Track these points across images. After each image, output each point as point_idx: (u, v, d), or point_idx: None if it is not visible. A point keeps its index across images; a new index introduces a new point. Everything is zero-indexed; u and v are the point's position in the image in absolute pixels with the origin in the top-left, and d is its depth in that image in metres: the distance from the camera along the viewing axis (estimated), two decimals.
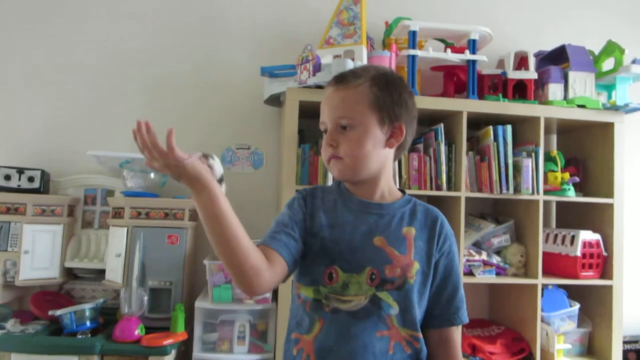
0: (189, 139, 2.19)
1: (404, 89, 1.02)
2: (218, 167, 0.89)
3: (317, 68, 1.84)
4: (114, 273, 1.88)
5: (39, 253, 1.91)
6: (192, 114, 2.22)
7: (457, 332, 1.04)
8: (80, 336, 1.71)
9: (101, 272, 1.96)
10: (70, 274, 2.03)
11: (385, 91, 0.98)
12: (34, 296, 1.91)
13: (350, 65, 1.78)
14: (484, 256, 2.01)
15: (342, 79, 1.00)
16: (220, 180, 0.89)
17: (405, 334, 0.96)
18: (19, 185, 1.91)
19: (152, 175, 2.02)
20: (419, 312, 0.97)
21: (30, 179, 1.94)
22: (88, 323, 1.76)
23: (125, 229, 1.87)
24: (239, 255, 0.84)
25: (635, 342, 2.27)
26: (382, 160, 1.01)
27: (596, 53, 2.11)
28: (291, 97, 1.85)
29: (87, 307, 1.77)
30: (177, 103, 2.22)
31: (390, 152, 1.02)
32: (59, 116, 2.17)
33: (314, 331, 0.95)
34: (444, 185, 1.94)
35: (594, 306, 2.10)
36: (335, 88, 1.00)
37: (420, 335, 0.98)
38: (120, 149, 2.10)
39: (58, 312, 1.73)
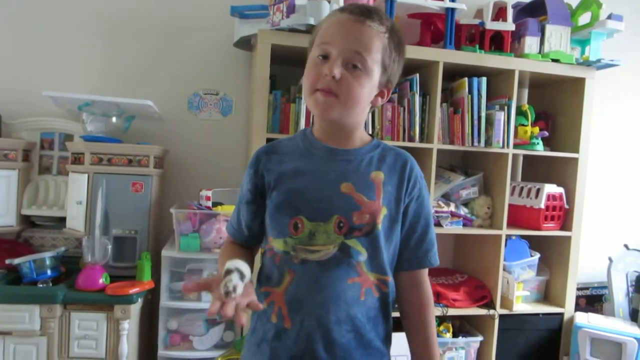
0: (153, 84, 2.08)
1: (405, 54, 1.00)
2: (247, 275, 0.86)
3: (292, 9, 1.74)
4: (76, 221, 1.81)
5: None
6: (155, 56, 2.09)
7: (427, 275, 1.03)
8: (41, 285, 1.67)
9: (61, 220, 1.89)
10: (28, 221, 1.94)
11: (397, 52, 0.96)
12: None
13: (326, 7, 1.69)
14: (452, 207, 2.04)
15: (368, 13, 0.92)
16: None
17: (374, 279, 0.95)
18: None
19: (113, 119, 1.90)
20: (386, 257, 0.96)
21: None
22: (49, 272, 1.71)
23: (86, 175, 1.78)
24: None
25: (587, 288, 2.41)
26: (365, 112, 1.00)
27: (573, 7, 2.09)
28: (263, 40, 1.76)
29: (47, 256, 1.72)
30: (139, 43, 2.07)
31: (368, 107, 1.01)
32: (10, 53, 1.99)
33: (284, 283, 0.94)
34: (417, 137, 1.93)
35: (552, 256, 2.19)
36: (357, 18, 0.92)
37: (389, 279, 0.98)
38: (78, 89, 1.96)
39: (16, 261, 1.67)
